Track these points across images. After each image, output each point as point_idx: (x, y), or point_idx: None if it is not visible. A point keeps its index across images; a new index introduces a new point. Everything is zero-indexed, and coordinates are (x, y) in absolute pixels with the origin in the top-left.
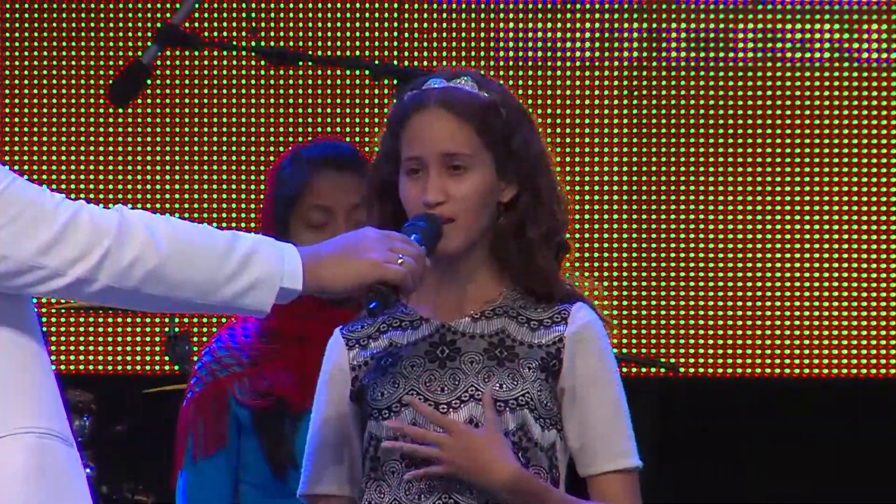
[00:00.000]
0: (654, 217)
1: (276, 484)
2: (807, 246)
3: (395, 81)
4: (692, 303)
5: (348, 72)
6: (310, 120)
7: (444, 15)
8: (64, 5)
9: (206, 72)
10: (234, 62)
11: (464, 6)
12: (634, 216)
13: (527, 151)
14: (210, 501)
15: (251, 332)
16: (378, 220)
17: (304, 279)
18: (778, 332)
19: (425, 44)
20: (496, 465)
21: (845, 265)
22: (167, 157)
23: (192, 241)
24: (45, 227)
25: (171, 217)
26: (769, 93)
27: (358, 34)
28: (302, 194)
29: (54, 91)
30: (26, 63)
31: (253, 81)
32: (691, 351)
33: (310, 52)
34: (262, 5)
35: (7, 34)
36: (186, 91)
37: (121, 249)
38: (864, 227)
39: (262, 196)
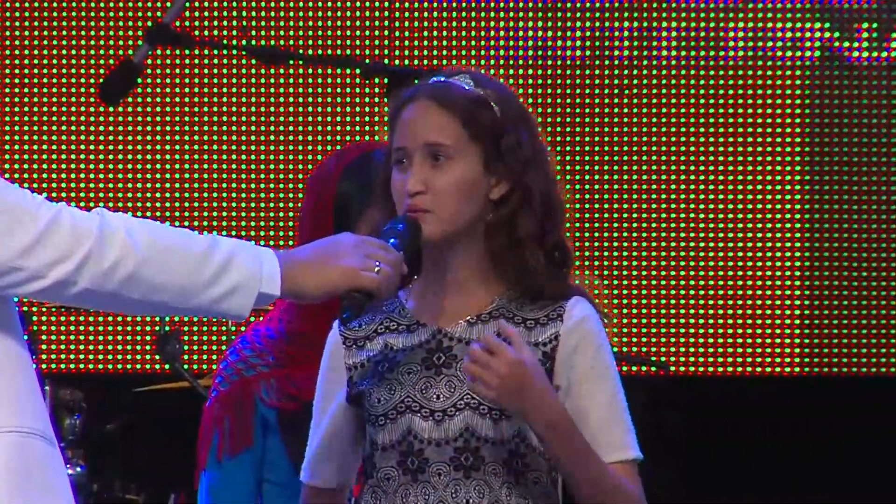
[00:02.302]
0: (644, 216)
1: (299, 484)
2: (797, 245)
3: (385, 81)
4: (683, 301)
5: (339, 71)
6: (300, 119)
7: (436, 14)
8: (55, 4)
9: (196, 70)
10: (225, 61)
11: (455, 5)
12: (626, 215)
13: (518, 150)
14: (234, 501)
15: (275, 334)
16: (382, 218)
17: (282, 284)
18: (769, 330)
19: (416, 42)
20: (541, 397)
21: (836, 264)
22: (158, 156)
23: (170, 245)
24: (26, 229)
25: (151, 220)
26: (760, 92)
27: (349, 33)
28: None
29: (45, 90)
30: (17, 62)
31: (244, 80)
32: (682, 349)
33: (301, 52)
34: (253, 4)
35: None
36: (177, 90)
37: (101, 252)
38: (856, 227)
39: (251, 194)
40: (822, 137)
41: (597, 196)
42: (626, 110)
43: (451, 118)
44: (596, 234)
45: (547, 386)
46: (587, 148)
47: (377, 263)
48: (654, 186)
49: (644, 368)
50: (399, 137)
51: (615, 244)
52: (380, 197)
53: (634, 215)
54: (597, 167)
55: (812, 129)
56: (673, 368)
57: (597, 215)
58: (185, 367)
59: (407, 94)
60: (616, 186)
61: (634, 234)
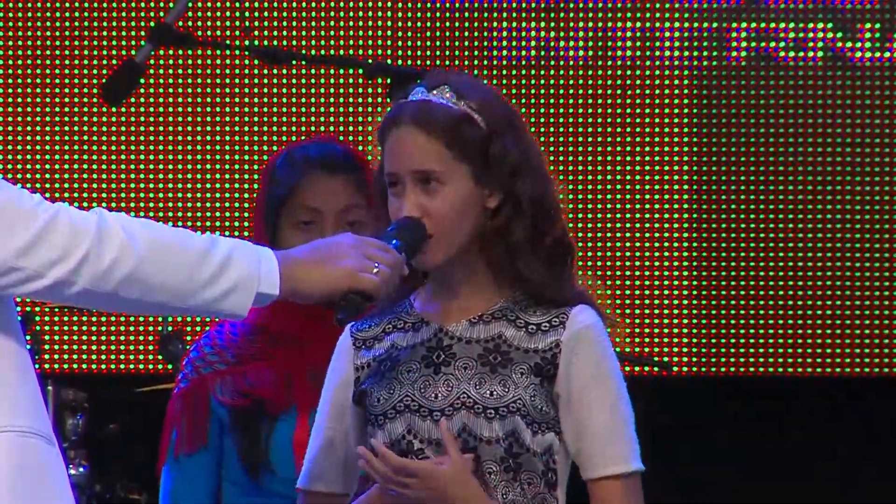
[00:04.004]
0: (647, 216)
1: (252, 483)
2: (800, 245)
3: (388, 81)
4: (685, 301)
5: (342, 71)
6: (303, 119)
7: (439, 14)
8: (57, 4)
9: (199, 71)
10: (228, 61)
11: (458, 5)
12: (627, 215)
13: (506, 158)
14: (192, 498)
15: (238, 331)
16: (382, 227)
17: (280, 284)
18: (772, 330)
19: (419, 43)
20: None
21: (839, 264)
22: (160, 156)
23: (169, 245)
24: (24, 229)
25: (150, 220)
26: (763, 92)
27: (352, 33)
28: (292, 195)
29: (47, 90)
30: (19, 62)
31: (246, 80)
32: (684, 350)
33: (303, 52)
34: (256, 4)
35: (0, 33)
36: (180, 90)
37: (99, 252)
38: (859, 227)
39: (254, 195)
40: (825, 138)
41: (599, 196)
42: (628, 111)
43: (434, 142)
44: (599, 235)
45: (471, 491)
46: (589, 148)
47: (376, 265)
48: (657, 187)
49: (647, 369)
50: (388, 162)
51: (618, 244)
52: (379, 205)
53: (637, 216)
54: (598, 167)
55: (816, 129)
56: (676, 369)
57: (599, 216)
58: None
59: (391, 115)
60: (619, 188)
61: (637, 235)
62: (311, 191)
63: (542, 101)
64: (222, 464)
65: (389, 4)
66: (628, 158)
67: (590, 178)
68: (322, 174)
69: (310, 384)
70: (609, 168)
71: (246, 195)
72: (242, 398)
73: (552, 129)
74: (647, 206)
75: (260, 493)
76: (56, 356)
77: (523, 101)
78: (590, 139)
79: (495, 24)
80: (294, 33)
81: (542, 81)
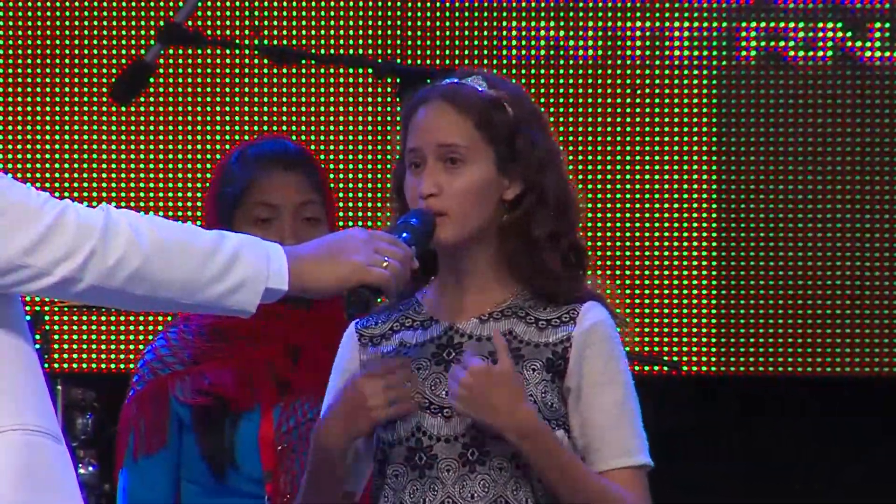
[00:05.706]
0: (657, 216)
1: (216, 483)
2: (809, 245)
3: (398, 80)
4: (695, 301)
5: (351, 70)
6: (311, 118)
7: (448, 14)
8: (67, 3)
9: (208, 70)
10: (237, 60)
11: (467, 5)
12: (637, 215)
13: (532, 151)
14: (151, 500)
15: (194, 331)
16: (396, 218)
17: (289, 279)
18: (781, 330)
19: (428, 42)
20: (510, 406)
21: (848, 263)
22: (169, 155)
23: (176, 241)
24: (31, 227)
25: (158, 217)
26: (772, 92)
27: (361, 32)
28: (248, 192)
29: (57, 89)
30: (28, 61)
31: (256, 80)
32: (693, 349)
33: (313, 51)
34: (265, 3)
35: (9, 32)
36: (189, 89)
37: (106, 249)
38: (867, 227)
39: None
40: (834, 137)
41: (609, 196)
42: (637, 110)
43: (464, 119)
44: (609, 234)
45: (519, 395)
46: (599, 148)
47: (386, 258)
48: (665, 186)
49: (657, 368)
50: (412, 139)
51: (627, 244)
52: (394, 197)
53: (647, 216)
54: (609, 167)
55: (825, 129)
56: (686, 368)
57: (609, 216)
58: None
59: (420, 95)
60: (629, 186)
61: (647, 234)
62: (268, 187)
63: (552, 100)
64: (181, 464)
65: (399, 4)
66: (637, 158)
67: (598, 177)
68: (278, 170)
69: (271, 382)
70: (618, 168)
71: None
72: (202, 396)
73: (561, 129)
74: (654, 205)
75: (224, 493)
76: (65, 355)
77: (532, 100)
78: (599, 139)
79: (505, 23)
80: (303, 32)
81: (552, 81)
